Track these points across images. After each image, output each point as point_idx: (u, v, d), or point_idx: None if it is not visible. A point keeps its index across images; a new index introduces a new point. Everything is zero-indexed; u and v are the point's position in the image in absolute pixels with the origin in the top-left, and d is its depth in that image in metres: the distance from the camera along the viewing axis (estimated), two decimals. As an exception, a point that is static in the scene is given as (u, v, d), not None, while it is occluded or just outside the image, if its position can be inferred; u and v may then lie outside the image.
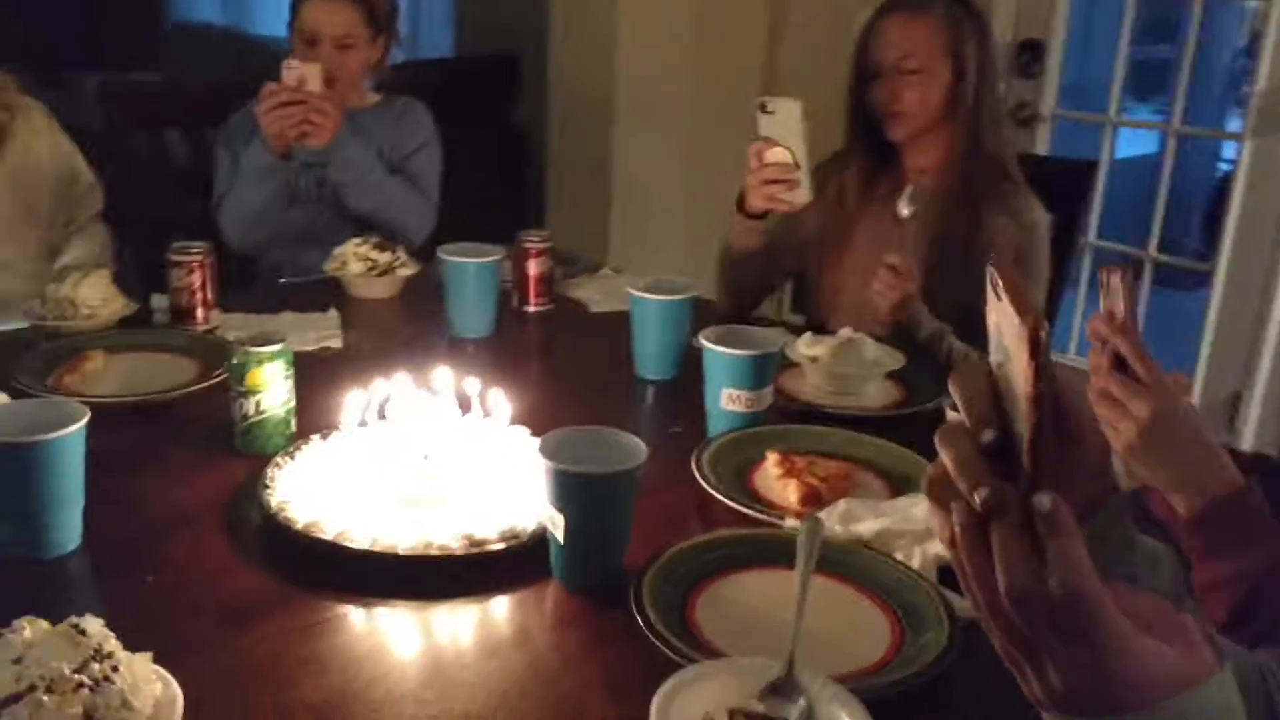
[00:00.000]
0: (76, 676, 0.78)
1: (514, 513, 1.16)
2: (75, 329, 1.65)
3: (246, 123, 2.21)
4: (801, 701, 0.88)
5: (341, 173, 2.17)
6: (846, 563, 1.11)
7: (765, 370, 1.42)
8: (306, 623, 1.03)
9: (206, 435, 1.37)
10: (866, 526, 1.16)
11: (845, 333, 1.64)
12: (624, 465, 1.06)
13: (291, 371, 1.33)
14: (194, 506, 1.22)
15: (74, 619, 0.83)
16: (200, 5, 6.14)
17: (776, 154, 1.74)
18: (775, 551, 1.12)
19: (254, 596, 1.06)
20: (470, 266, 1.77)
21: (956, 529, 0.61)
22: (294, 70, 2.04)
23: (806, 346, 1.63)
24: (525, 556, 1.12)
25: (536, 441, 1.28)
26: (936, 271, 1.79)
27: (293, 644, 1.00)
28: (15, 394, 1.38)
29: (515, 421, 1.31)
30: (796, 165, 1.74)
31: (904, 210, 1.86)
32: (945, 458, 0.61)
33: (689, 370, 1.64)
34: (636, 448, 1.09)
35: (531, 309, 1.93)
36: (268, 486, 1.19)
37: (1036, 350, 0.57)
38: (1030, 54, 3.00)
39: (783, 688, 0.89)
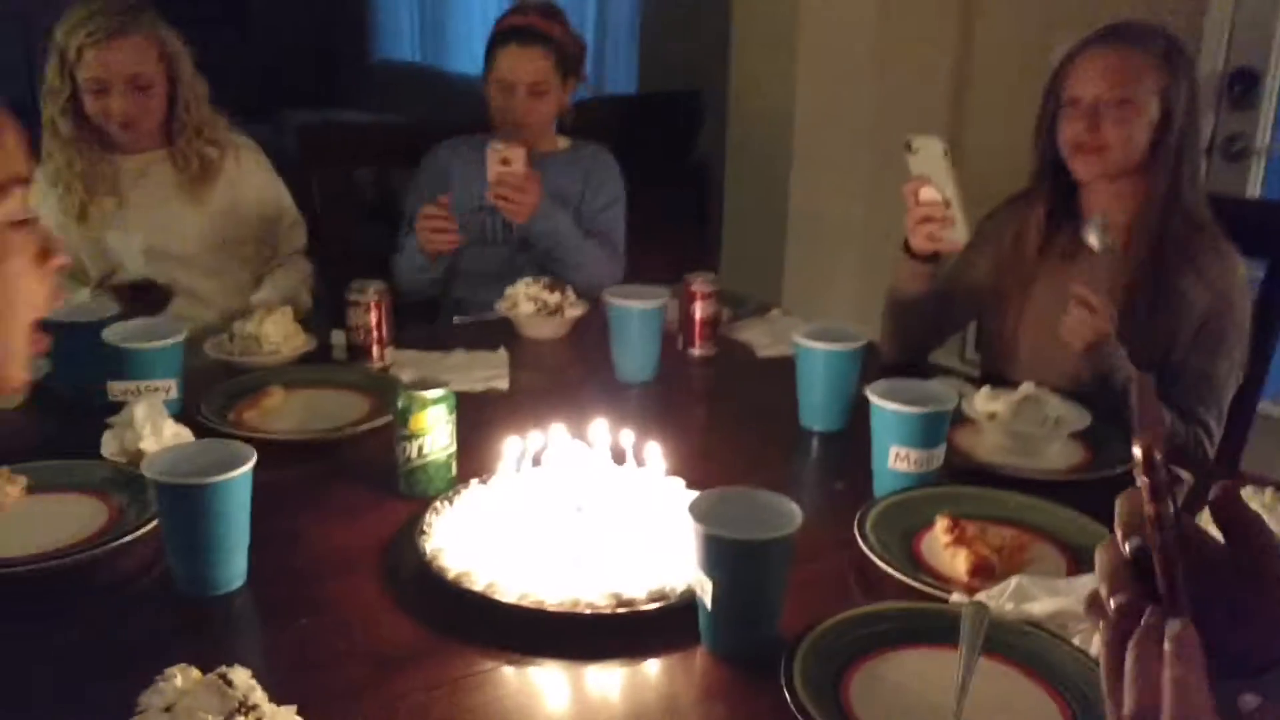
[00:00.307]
0: (222, 728, 0.79)
1: (665, 571, 1.14)
2: (258, 365, 1.72)
3: (433, 166, 2.28)
4: (960, 804, 0.81)
5: (540, 240, 2.22)
6: (1018, 645, 1.03)
7: (937, 429, 1.35)
8: (454, 676, 1.03)
9: (373, 474, 1.39)
10: (1041, 606, 1.08)
11: (1027, 388, 1.54)
12: (777, 532, 1.02)
13: (453, 416, 1.34)
14: (354, 549, 1.24)
15: (223, 669, 0.85)
16: (400, 44, 6.43)
17: (928, 193, 1.69)
18: (940, 629, 1.05)
19: (404, 646, 1.07)
20: (634, 311, 1.75)
21: (1102, 640, 0.60)
22: (498, 152, 2.10)
23: (984, 402, 1.54)
24: (675, 618, 1.08)
25: (690, 496, 1.26)
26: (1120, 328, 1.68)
27: (439, 699, 0.99)
28: (198, 428, 1.44)
29: (672, 471, 1.28)
30: (948, 204, 1.68)
31: (1092, 241, 1.73)
32: (1096, 565, 0.61)
33: (857, 422, 1.57)
34: (792, 513, 1.04)
35: (696, 353, 1.90)
36: (424, 533, 1.20)
37: (1150, 469, 0.58)
38: (1244, 84, 2.79)
39: (940, 787, 0.82)
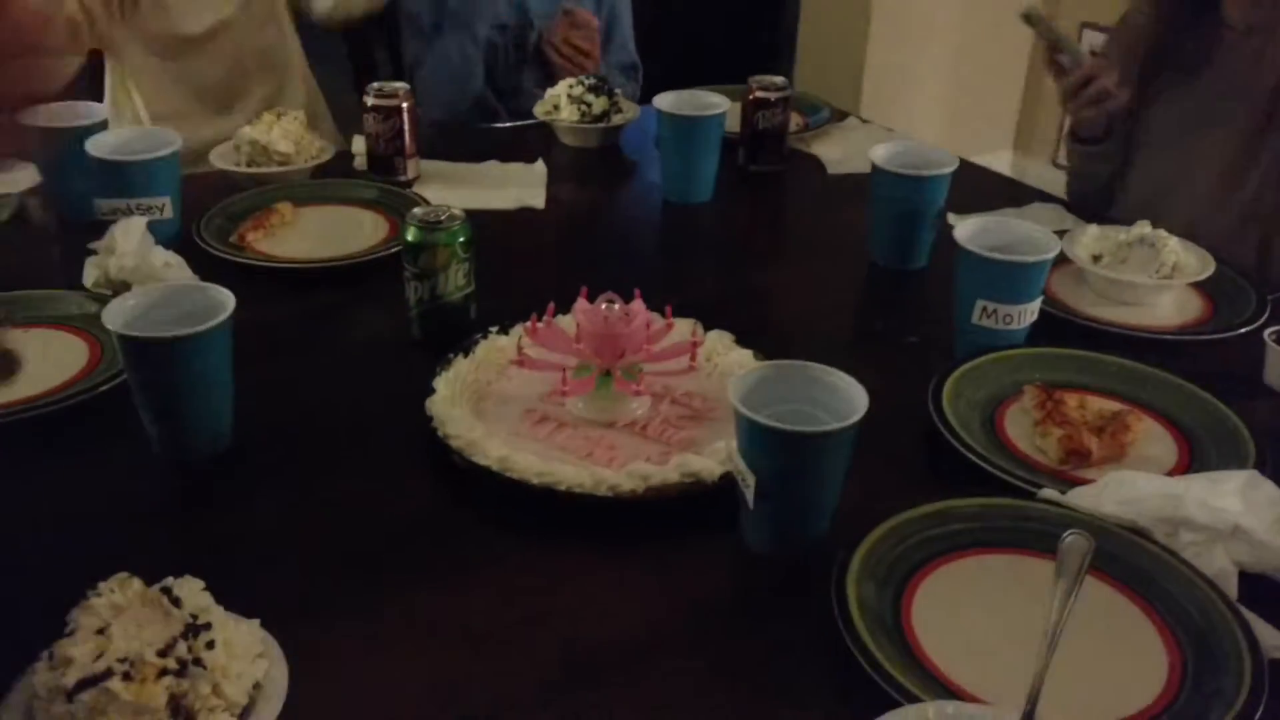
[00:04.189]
0: (160, 661, 0.67)
1: (701, 446, 0.98)
2: (268, 177, 1.54)
3: None
4: (1041, 777, 0.67)
5: None
6: (1116, 556, 0.87)
7: (1034, 281, 1.15)
8: (451, 568, 0.89)
9: (386, 312, 1.24)
10: (1146, 509, 0.91)
11: (1141, 228, 1.32)
12: (838, 422, 0.85)
13: (471, 251, 1.17)
14: (356, 406, 1.10)
15: (169, 582, 0.72)
16: None
17: (1068, 60, 1.52)
18: (1023, 533, 0.89)
19: (398, 532, 0.93)
20: (688, 121, 1.54)
21: None
22: (570, 14, 1.91)
23: (1089, 242, 1.33)
24: (708, 502, 0.93)
25: (738, 358, 1.10)
26: None
27: (430, 597, 0.86)
28: (195, 253, 1.29)
29: (725, 310, 1.12)
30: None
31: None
32: None
33: (939, 260, 1.38)
34: (855, 397, 0.87)
35: (758, 168, 1.68)
36: (432, 391, 1.05)
37: None
38: None
39: (1017, 752, 0.68)
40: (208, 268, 1.24)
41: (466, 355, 1.11)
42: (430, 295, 1.16)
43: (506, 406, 1.06)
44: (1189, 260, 1.30)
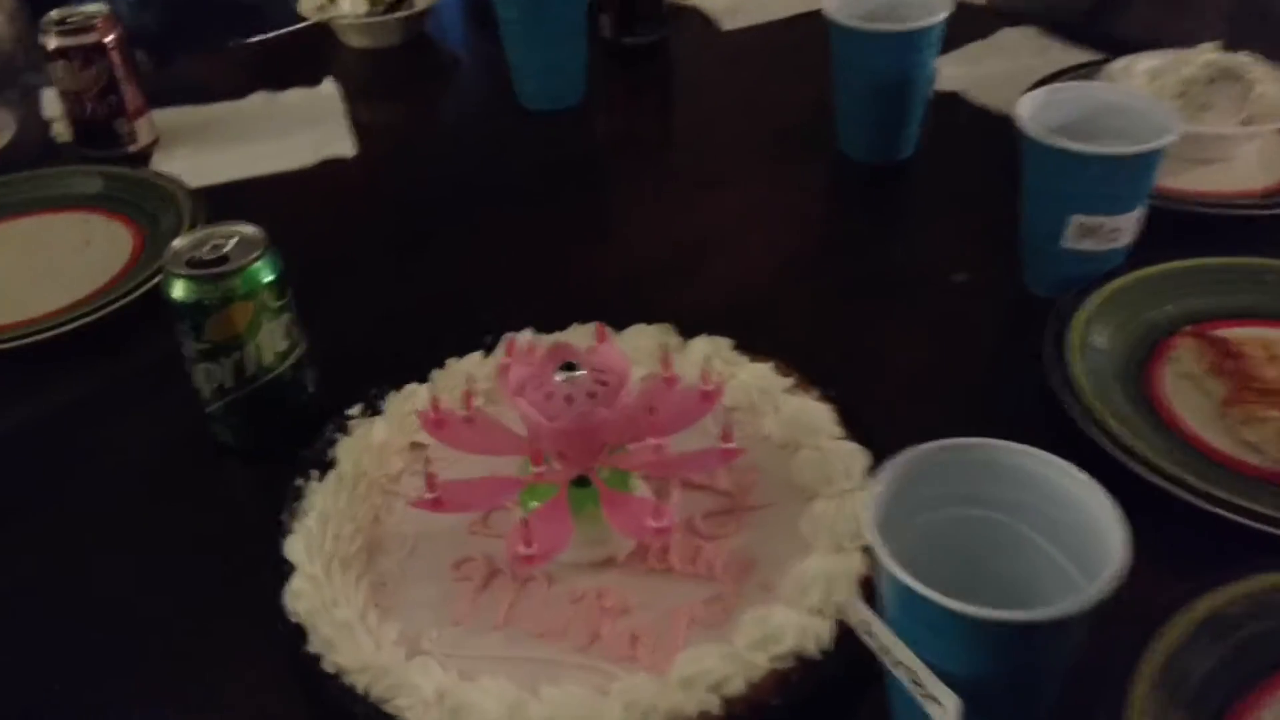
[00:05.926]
0: None
1: (765, 570, 0.59)
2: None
3: None
4: None
5: None
6: None
7: (1150, 174, 0.77)
8: None
9: (169, 398, 0.76)
10: None
11: (1208, 53, 0.96)
12: (1054, 542, 0.46)
13: (288, 294, 0.70)
14: (160, 598, 0.64)
15: None
16: None
17: None
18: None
19: None
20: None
21: None
22: None
23: (1142, 80, 0.96)
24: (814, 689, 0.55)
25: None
26: None
27: None
28: None
29: (669, 282, 0.74)
30: None
31: None
32: None
33: (938, 143, 1.00)
34: (1083, 495, 0.48)
35: (634, 40, 1.23)
36: (289, 568, 0.60)
37: None
38: None
39: None
40: None
41: (322, 476, 0.66)
42: (236, 379, 0.69)
43: (419, 562, 0.63)
44: (1274, 91, 0.95)
